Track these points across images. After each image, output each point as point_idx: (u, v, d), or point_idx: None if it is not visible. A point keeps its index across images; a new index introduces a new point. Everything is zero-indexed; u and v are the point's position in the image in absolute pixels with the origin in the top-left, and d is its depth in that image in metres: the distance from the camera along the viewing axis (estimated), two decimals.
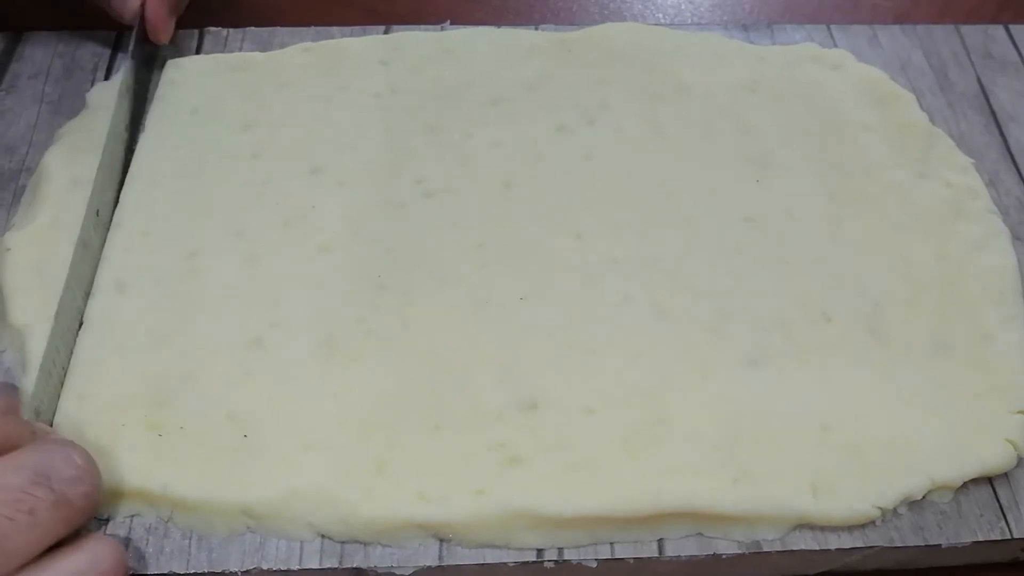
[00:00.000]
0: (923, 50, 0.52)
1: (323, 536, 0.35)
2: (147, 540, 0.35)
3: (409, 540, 0.35)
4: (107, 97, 0.46)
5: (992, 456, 0.36)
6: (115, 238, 0.42)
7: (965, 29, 0.53)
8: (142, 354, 0.38)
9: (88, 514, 0.32)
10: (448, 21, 0.52)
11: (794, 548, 0.35)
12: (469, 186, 0.44)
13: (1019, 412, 0.37)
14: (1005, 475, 0.37)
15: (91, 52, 0.50)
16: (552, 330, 0.39)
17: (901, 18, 0.57)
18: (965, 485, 0.36)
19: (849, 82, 0.49)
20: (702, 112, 0.47)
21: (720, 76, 0.49)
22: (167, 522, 0.35)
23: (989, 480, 0.37)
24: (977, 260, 0.42)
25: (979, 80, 0.51)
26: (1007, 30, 0.53)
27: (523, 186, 0.44)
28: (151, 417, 0.37)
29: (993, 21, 0.55)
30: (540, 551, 0.35)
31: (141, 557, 0.34)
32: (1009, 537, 0.36)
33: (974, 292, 0.41)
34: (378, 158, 0.45)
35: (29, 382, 0.36)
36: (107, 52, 0.50)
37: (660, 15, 0.55)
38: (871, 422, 0.37)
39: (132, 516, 0.35)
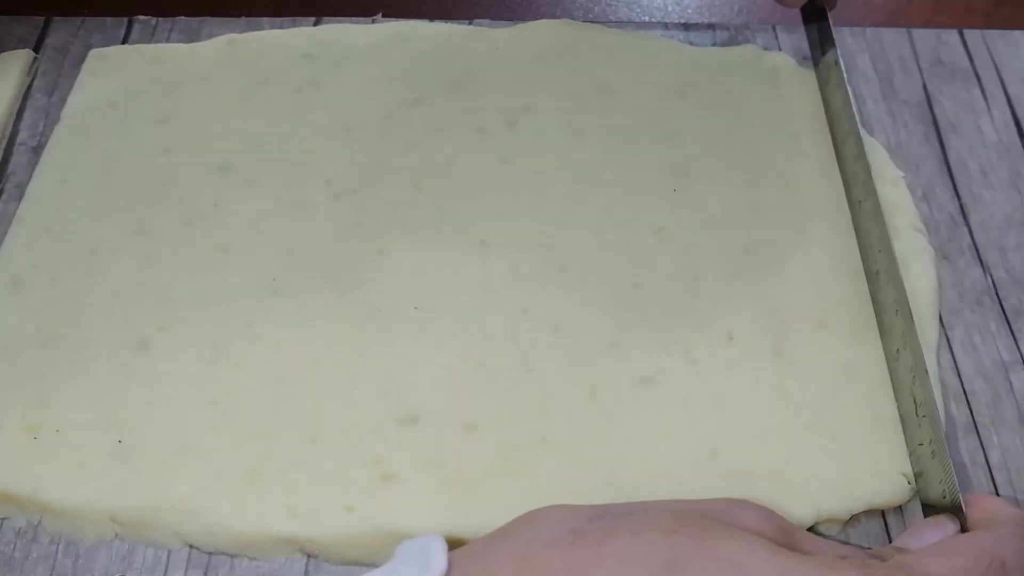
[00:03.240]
0: (870, 54, 0.50)
1: (191, 546, 0.35)
2: (15, 544, 0.35)
3: (276, 554, 0.34)
4: None
5: (886, 489, 0.35)
6: (17, 233, 0.42)
7: (917, 33, 0.51)
8: (27, 353, 0.38)
9: None
10: (380, 13, 0.51)
11: None
12: (378, 188, 0.43)
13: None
14: (899, 507, 0.36)
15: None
16: (443, 342, 0.38)
17: (895, 16, 0.54)
18: (856, 515, 0.35)
19: (783, 88, 0.47)
20: (626, 117, 0.46)
21: (649, 79, 0.47)
22: (36, 526, 0.35)
23: (881, 511, 0.36)
24: None
25: (925, 87, 0.49)
26: (961, 35, 0.51)
27: (433, 190, 0.43)
28: (29, 418, 0.36)
29: (990, 18, 0.53)
30: None
31: (8, 561, 0.34)
32: None
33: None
34: (289, 156, 0.44)
35: None
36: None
37: (646, 17, 0.53)
38: (764, 447, 0.36)
39: (3, 519, 0.35)
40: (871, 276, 0.40)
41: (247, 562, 0.34)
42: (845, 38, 0.51)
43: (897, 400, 0.37)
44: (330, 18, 0.51)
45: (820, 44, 0.48)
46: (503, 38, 0.49)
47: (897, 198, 0.43)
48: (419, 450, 0.36)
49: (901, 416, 0.36)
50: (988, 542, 0.28)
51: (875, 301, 0.39)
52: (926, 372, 0.35)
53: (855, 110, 0.45)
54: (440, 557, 0.28)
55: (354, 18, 0.51)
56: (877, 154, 0.45)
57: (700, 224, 0.42)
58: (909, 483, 0.35)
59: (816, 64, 0.48)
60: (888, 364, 0.38)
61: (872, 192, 0.41)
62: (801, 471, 0.35)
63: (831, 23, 0.47)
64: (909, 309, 0.37)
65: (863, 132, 0.46)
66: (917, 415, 0.35)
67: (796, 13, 0.53)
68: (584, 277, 0.40)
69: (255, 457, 0.35)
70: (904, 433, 0.36)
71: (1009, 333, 0.40)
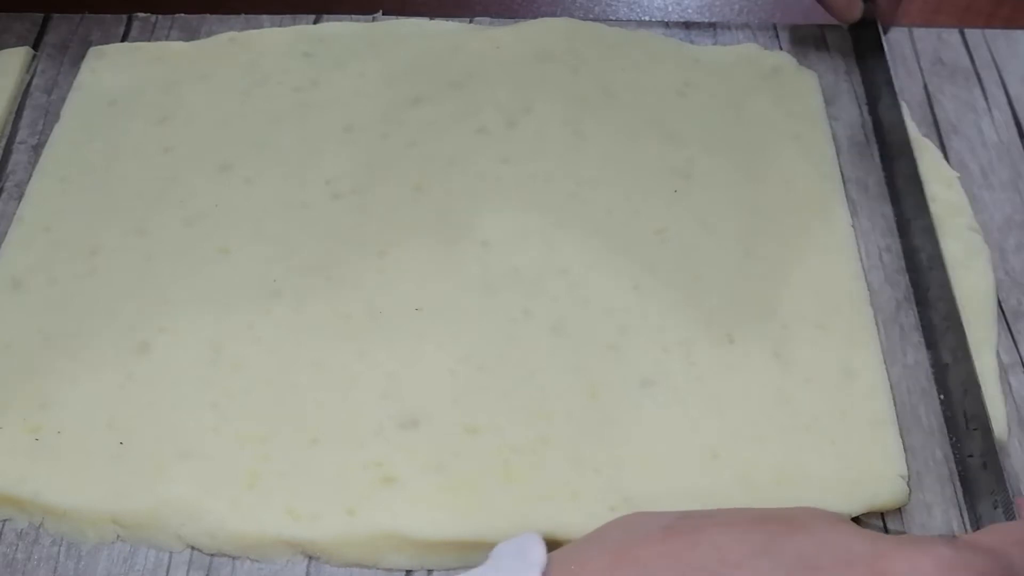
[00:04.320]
0: None
1: (192, 548, 0.35)
2: (17, 546, 0.35)
3: (277, 556, 0.34)
4: None
5: (885, 491, 0.35)
6: (16, 234, 0.42)
7: (918, 33, 0.51)
8: (28, 354, 0.38)
9: None
10: (380, 11, 0.51)
11: None
12: (379, 188, 0.43)
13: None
14: (898, 508, 0.36)
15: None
16: (444, 344, 0.38)
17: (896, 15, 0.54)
18: (855, 518, 0.35)
19: (783, 88, 0.47)
20: (627, 117, 0.46)
21: (650, 78, 0.47)
22: (38, 528, 0.35)
23: (881, 513, 0.36)
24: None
25: (925, 87, 0.49)
26: (962, 35, 0.51)
27: (434, 190, 0.43)
28: (31, 420, 0.36)
29: (990, 18, 0.53)
30: (409, 572, 0.34)
31: (10, 563, 0.34)
32: None
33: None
34: (289, 156, 0.44)
35: None
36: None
37: (647, 16, 0.53)
38: (763, 450, 0.36)
39: (4, 521, 0.35)
40: (920, 291, 0.40)
41: (248, 564, 0.34)
42: (846, 35, 0.50)
43: (947, 411, 0.37)
44: (330, 16, 0.51)
45: (875, 79, 0.47)
46: (503, 37, 0.49)
47: (953, 199, 0.43)
48: (420, 453, 0.36)
49: (947, 425, 0.37)
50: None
51: (921, 315, 0.40)
52: (979, 385, 0.36)
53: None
54: (539, 550, 0.28)
55: (354, 16, 0.51)
56: (931, 155, 0.45)
57: (700, 225, 0.42)
58: (907, 485, 0.35)
59: (869, 102, 0.47)
60: (934, 375, 0.38)
61: (925, 211, 0.41)
62: (801, 473, 0.36)
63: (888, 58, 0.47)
64: (961, 324, 0.38)
65: (916, 131, 0.45)
66: (968, 427, 0.36)
67: (797, 12, 0.53)
68: (584, 278, 0.40)
69: (256, 459, 0.35)
70: (950, 441, 0.37)
71: (1009, 335, 0.40)
